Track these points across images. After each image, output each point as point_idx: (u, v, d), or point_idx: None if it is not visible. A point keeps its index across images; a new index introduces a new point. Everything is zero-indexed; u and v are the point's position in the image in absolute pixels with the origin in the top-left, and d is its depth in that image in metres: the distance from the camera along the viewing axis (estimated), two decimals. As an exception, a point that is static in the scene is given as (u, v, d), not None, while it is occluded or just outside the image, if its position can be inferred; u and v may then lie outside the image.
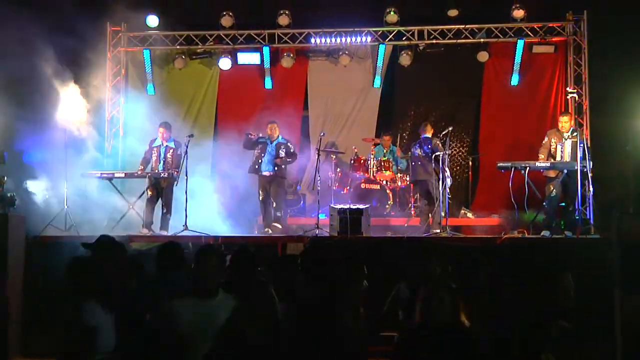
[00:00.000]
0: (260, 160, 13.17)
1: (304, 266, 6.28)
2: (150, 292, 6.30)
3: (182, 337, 5.22)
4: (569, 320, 5.62)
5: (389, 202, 14.28)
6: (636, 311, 5.42)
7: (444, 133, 13.04)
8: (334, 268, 6.09)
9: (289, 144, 13.37)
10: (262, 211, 13.37)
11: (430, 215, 12.95)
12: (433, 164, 12.88)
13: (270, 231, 12.99)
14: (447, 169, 12.54)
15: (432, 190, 13.07)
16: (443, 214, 12.31)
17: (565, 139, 12.31)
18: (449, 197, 12.63)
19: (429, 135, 13.19)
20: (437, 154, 12.65)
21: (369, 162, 14.26)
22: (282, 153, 13.13)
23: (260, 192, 13.29)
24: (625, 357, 8.44)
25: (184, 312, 5.32)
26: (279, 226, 13.08)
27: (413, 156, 13.37)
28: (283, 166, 13.20)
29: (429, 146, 13.13)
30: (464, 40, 15.16)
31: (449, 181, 12.73)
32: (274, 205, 13.23)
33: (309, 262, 6.25)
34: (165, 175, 12.99)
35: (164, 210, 13.15)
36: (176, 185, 13.07)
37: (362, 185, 14.25)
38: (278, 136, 13.28)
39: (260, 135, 13.33)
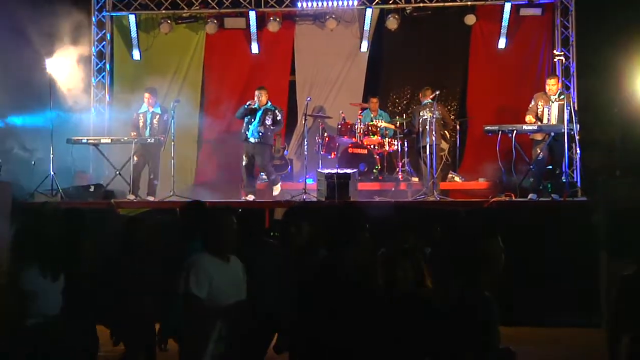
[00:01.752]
0: (249, 127, 13.04)
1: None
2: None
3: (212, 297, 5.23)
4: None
5: (377, 167, 14.27)
6: (621, 274, 5.43)
7: (431, 97, 13.05)
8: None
9: (276, 110, 13.18)
10: (245, 177, 13.22)
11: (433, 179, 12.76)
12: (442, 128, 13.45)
13: (252, 197, 12.93)
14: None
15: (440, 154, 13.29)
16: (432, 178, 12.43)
17: (552, 102, 12.32)
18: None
19: (431, 99, 13.09)
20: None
21: (356, 126, 14.21)
22: (269, 120, 12.97)
23: (244, 157, 13.14)
24: (611, 318, 8.50)
25: (212, 271, 5.29)
26: (277, 187, 13.14)
27: (423, 120, 13.12)
28: (269, 133, 13.08)
29: (439, 111, 13.20)
30: (451, 4, 15.07)
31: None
32: (264, 176, 13.21)
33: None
34: (152, 141, 12.95)
35: (151, 176, 13.16)
36: (163, 150, 13.09)
37: (350, 150, 14.21)
38: (267, 102, 13.15)
39: (250, 102, 13.15)
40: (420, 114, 13.03)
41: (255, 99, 12.98)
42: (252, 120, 12.96)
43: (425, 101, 12.99)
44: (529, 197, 12.04)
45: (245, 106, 13.00)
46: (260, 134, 12.91)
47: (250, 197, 12.88)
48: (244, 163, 13.13)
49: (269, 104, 13.12)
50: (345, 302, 4.78)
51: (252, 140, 12.94)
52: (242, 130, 13.10)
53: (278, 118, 13.15)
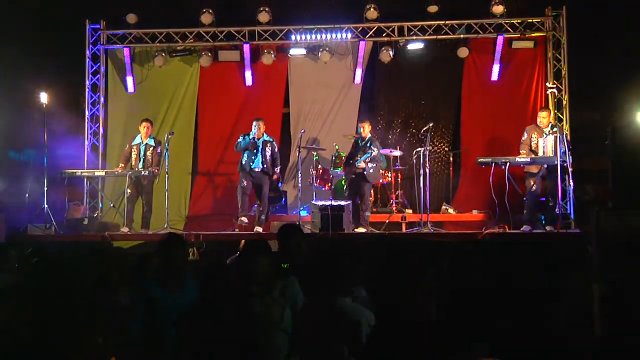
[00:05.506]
0: (253, 158, 13.01)
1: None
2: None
3: None
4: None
5: (370, 199, 14.27)
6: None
7: (424, 129, 13.11)
8: None
9: (274, 142, 13.29)
10: (240, 201, 13.11)
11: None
12: None
13: (245, 220, 12.94)
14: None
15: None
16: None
17: (546, 134, 12.38)
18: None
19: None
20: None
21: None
22: (269, 151, 13.05)
23: (244, 180, 13.06)
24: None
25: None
26: (260, 229, 12.99)
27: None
28: (270, 164, 13.10)
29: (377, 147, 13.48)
30: (444, 36, 15.18)
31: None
32: (261, 208, 13.13)
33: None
34: (146, 173, 12.97)
35: (145, 209, 13.16)
36: (156, 183, 13.10)
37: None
38: (263, 133, 13.21)
39: (249, 135, 13.16)
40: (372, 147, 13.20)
41: (255, 129, 13.02)
42: (255, 151, 13.00)
43: (369, 136, 13.25)
44: (522, 228, 12.08)
45: (247, 140, 13.02)
46: (265, 165, 12.97)
47: (245, 220, 12.88)
48: (242, 184, 13.06)
49: (265, 135, 13.18)
50: None
51: (256, 169, 12.97)
52: (244, 162, 13.06)
53: (276, 150, 13.27)
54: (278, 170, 13.43)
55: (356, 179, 13.22)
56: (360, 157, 13.09)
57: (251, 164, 12.97)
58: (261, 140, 13.04)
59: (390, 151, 14.51)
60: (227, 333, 5.29)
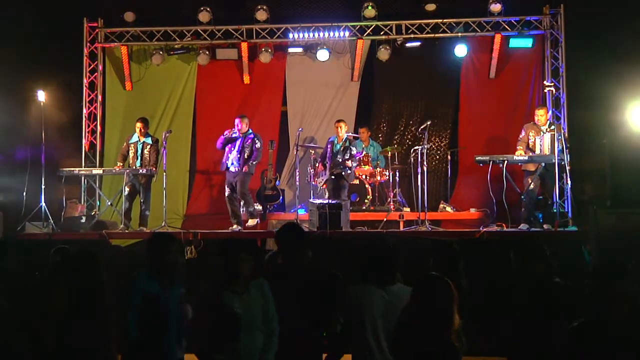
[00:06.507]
0: (229, 155, 12.93)
1: None
2: None
3: None
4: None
5: (368, 197, 14.29)
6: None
7: (422, 127, 13.09)
8: None
9: (255, 138, 13.07)
10: (229, 207, 13.12)
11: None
12: None
13: (237, 227, 12.91)
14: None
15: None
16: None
17: (544, 132, 12.39)
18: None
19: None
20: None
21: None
22: (247, 148, 12.92)
23: (227, 187, 13.07)
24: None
25: None
26: (253, 223, 12.98)
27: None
28: (250, 162, 12.97)
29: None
30: (441, 35, 15.16)
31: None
32: (243, 203, 13.05)
33: None
34: (144, 171, 12.96)
35: (143, 207, 13.13)
36: (154, 181, 13.09)
37: (341, 180, 14.23)
38: (247, 130, 13.12)
39: (233, 132, 13.10)
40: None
41: (235, 127, 12.98)
42: (232, 148, 12.95)
43: (346, 136, 13.41)
44: (519, 227, 12.08)
45: (224, 136, 12.99)
46: (240, 162, 12.87)
47: (237, 228, 12.84)
48: (226, 194, 13.08)
49: (250, 131, 13.12)
50: None
51: (232, 169, 12.91)
52: (223, 160, 13.06)
53: (256, 146, 13.02)
54: (253, 163, 13.06)
55: (335, 179, 13.30)
56: (346, 156, 13.16)
57: (227, 161, 12.94)
58: (242, 137, 12.95)
59: (389, 152, 14.53)
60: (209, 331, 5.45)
